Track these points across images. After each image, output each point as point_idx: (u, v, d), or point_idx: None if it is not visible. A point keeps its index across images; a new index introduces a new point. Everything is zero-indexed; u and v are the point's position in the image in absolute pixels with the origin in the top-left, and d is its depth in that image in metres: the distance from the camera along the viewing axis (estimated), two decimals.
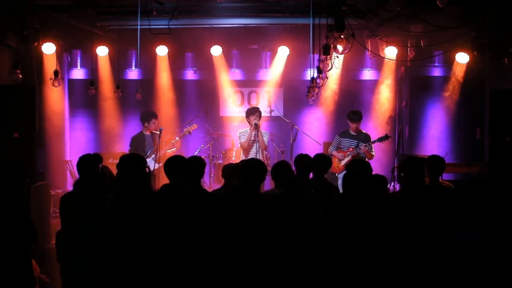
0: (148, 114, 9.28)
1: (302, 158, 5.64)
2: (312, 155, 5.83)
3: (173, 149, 9.25)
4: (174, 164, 4.68)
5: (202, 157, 5.90)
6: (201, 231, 3.91)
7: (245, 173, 4.55)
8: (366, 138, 8.52)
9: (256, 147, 8.53)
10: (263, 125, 9.69)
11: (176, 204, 3.82)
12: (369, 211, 4.22)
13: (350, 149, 8.44)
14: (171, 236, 3.77)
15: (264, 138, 8.71)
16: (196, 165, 4.93)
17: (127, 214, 4.11)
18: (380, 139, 8.42)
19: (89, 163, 5.15)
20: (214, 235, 4.03)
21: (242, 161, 5.06)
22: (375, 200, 4.42)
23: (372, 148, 8.48)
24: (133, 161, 4.49)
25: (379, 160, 9.51)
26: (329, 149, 8.74)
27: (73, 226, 3.92)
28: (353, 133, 8.54)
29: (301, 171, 5.54)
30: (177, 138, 9.26)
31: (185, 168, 4.67)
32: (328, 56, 6.16)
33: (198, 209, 4.06)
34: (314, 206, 4.60)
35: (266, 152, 8.84)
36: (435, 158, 5.43)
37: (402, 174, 5.03)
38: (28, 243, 4.30)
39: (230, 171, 5.49)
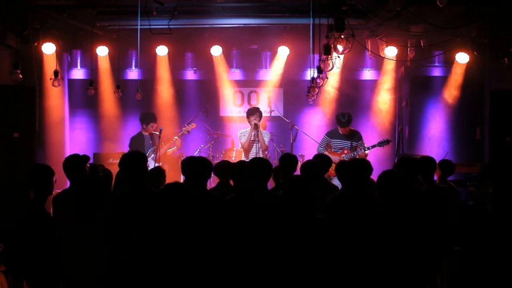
0: (148, 117, 9.25)
1: (287, 158, 5.59)
2: (312, 155, 5.82)
3: (173, 148, 9.25)
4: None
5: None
6: (205, 231, 3.88)
7: (253, 172, 4.49)
8: (358, 137, 8.44)
9: (256, 147, 8.51)
10: (264, 126, 9.66)
11: (180, 203, 3.80)
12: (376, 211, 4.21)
13: (345, 152, 8.31)
14: (175, 236, 3.76)
15: (265, 138, 8.68)
16: (202, 166, 4.87)
17: (134, 214, 4.08)
18: (381, 144, 8.34)
19: (75, 164, 4.90)
20: (218, 236, 4.00)
21: (251, 160, 4.98)
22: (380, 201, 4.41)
23: (365, 146, 8.35)
24: (136, 158, 4.41)
25: (379, 160, 9.51)
26: (317, 150, 8.48)
27: (71, 229, 3.87)
28: (343, 133, 8.42)
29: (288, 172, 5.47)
30: (176, 137, 9.26)
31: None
32: (329, 56, 6.15)
33: (201, 209, 4.04)
34: (319, 206, 4.58)
35: (267, 152, 8.81)
36: (426, 159, 5.41)
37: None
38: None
39: (224, 169, 5.39)
